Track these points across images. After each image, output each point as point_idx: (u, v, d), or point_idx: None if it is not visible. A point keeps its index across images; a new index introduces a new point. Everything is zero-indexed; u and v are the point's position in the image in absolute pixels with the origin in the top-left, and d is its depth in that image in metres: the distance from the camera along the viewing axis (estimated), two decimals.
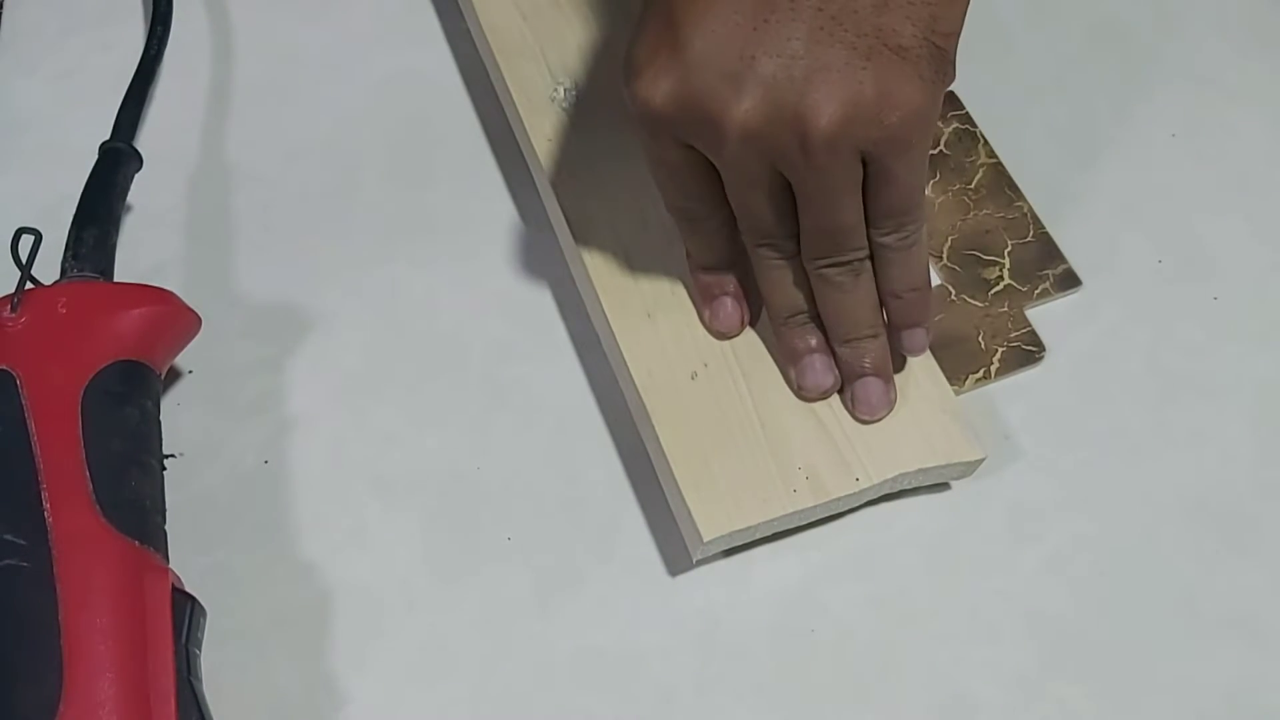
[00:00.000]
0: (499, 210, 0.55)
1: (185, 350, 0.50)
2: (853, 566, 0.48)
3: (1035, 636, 0.47)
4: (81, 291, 0.46)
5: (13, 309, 0.44)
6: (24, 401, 0.42)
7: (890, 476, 0.47)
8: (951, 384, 0.50)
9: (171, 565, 0.44)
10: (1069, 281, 0.54)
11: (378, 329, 0.52)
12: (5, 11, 0.59)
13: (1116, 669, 0.47)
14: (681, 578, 0.48)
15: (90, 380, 0.43)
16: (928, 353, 0.49)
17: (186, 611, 0.42)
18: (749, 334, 0.50)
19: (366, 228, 0.55)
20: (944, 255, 0.54)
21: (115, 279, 0.49)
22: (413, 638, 0.46)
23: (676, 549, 0.48)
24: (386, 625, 0.46)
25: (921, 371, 0.49)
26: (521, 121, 0.54)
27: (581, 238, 0.51)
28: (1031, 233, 0.55)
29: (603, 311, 0.50)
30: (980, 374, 0.52)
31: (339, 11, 0.61)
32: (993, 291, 0.54)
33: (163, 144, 0.56)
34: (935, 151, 0.56)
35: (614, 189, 0.52)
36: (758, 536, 0.47)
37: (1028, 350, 0.52)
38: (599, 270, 0.50)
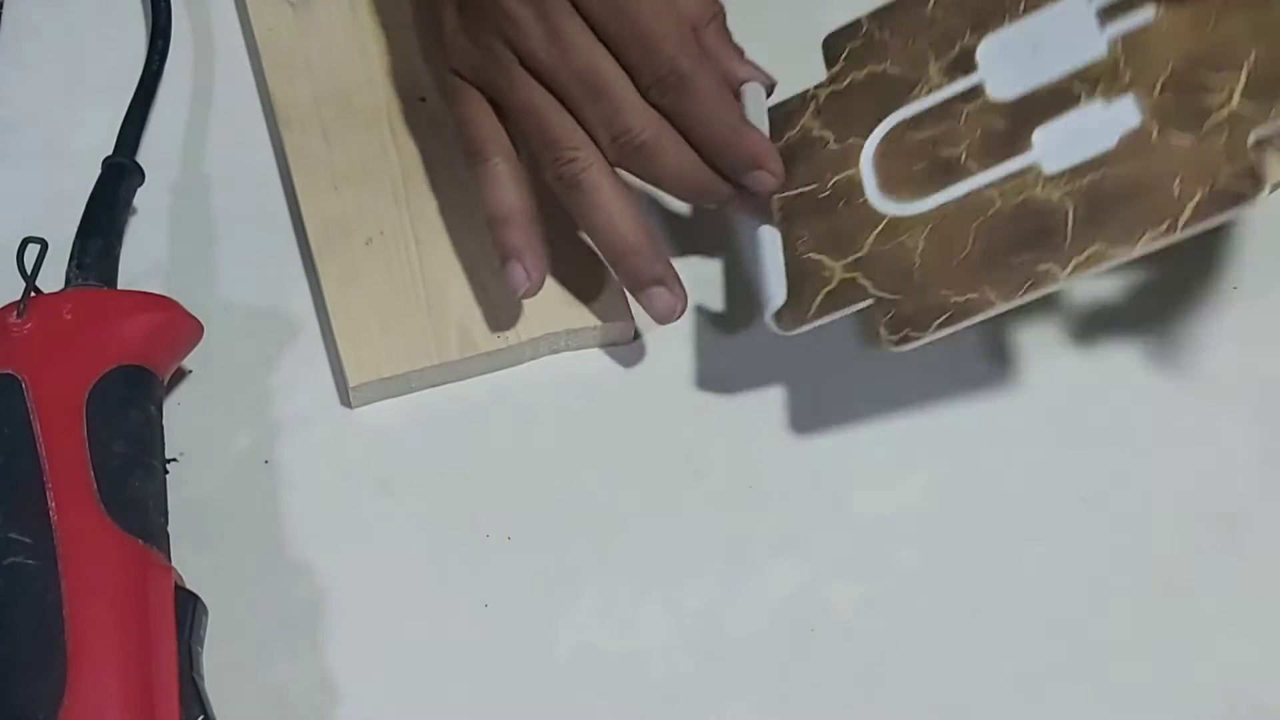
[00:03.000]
0: None
1: None
2: (853, 566, 0.48)
3: (1035, 636, 0.47)
4: (86, 299, 0.46)
5: (19, 315, 0.44)
6: (30, 404, 0.42)
7: (538, 336, 0.50)
8: (1124, 243, 0.43)
9: (173, 564, 0.44)
10: None
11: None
12: (5, 11, 0.59)
13: (1116, 669, 0.47)
14: (681, 577, 0.48)
15: (94, 384, 0.43)
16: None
17: (189, 608, 0.42)
18: (424, 203, 0.53)
19: None
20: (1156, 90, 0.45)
21: (118, 287, 0.50)
22: (413, 637, 0.46)
23: (677, 549, 0.48)
24: (386, 625, 0.46)
25: (583, 238, 0.52)
26: (247, 9, 0.59)
27: (284, 114, 0.55)
28: None
29: (293, 183, 0.54)
30: (1165, 227, 0.43)
31: None
32: (1211, 121, 0.43)
33: (162, 145, 0.56)
34: None
35: (322, 68, 0.56)
36: (418, 387, 0.50)
37: (1236, 192, 0.42)
38: (295, 145, 0.55)
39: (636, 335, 0.52)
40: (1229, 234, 0.56)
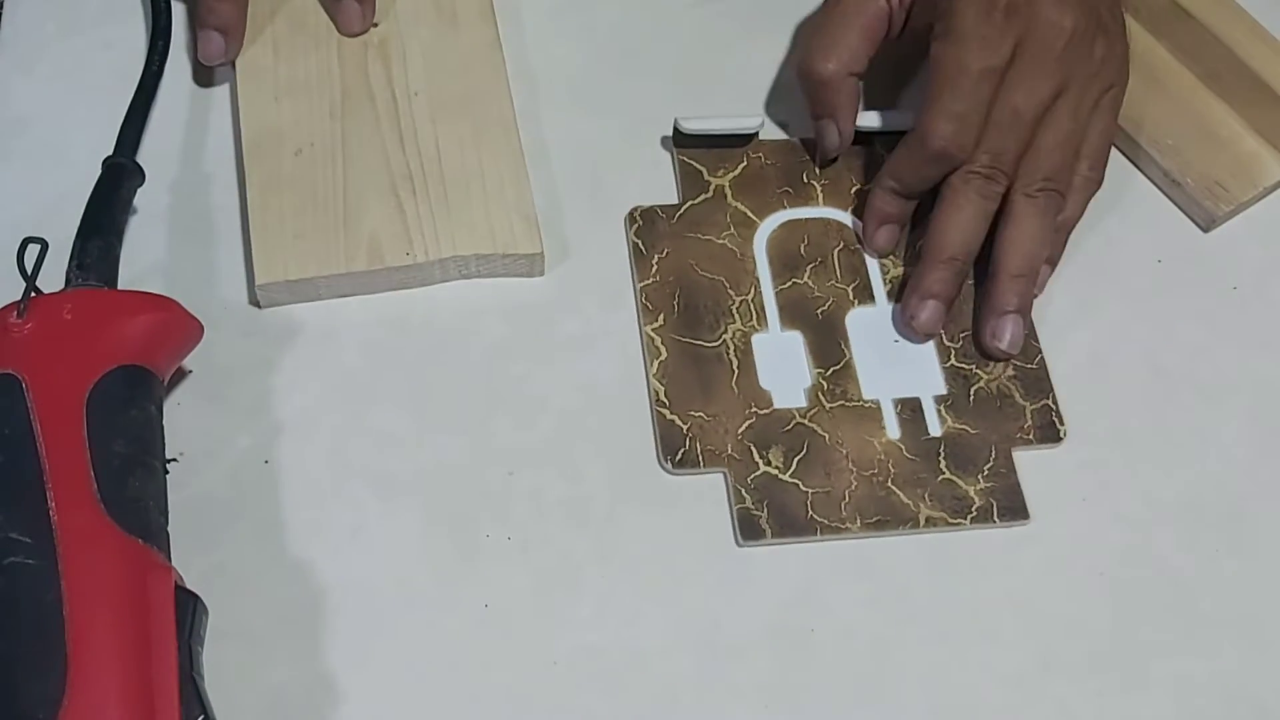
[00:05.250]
0: None
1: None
2: (853, 566, 0.48)
3: (1035, 636, 0.47)
4: (86, 299, 0.46)
5: (19, 315, 0.44)
6: (30, 404, 0.42)
7: (445, 257, 0.52)
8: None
9: (173, 564, 0.44)
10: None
11: (378, 328, 0.52)
12: (5, 11, 0.59)
13: (1116, 669, 0.47)
14: (681, 578, 0.48)
15: (95, 384, 0.43)
16: (520, 152, 0.55)
17: (189, 608, 0.42)
18: (357, 123, 0.55)
19: None
20: None
21: (118, 286, 0.50)
22: (413, 637, 0.46)
23: (677, 550, 0.48)
24: (386, 624, 0.46)
25: (506, 171, 0.54)
26: None
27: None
28: None
29: (237, 91, 0.56)
30: None
31: None
32: None
33: (162, 145, 0.56)
34: None
35: None
36: (326, 296, 0.52)
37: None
38: (244, 56, 0.57)
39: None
40: (1229, 234, 0.56)
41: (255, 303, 0.52)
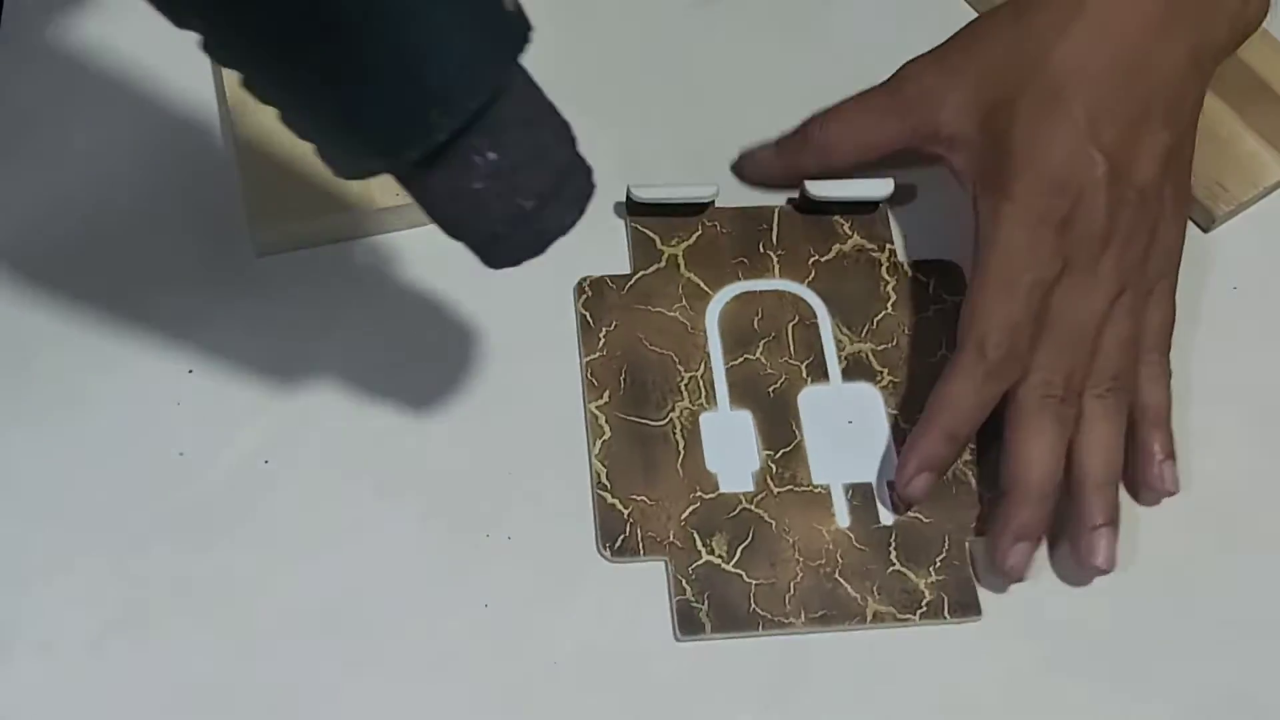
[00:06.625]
0: None
1: (185, 350, 0.50)
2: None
3: (1035, 636, 0.47)
4: None
5: None
6: None
7: None
8: None
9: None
10: None
11: (378, 328, 0.52)
12: (5, 11, 0.59)
13: (1116, 669, 0.47)
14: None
15: None
16: None
17: None
18: None
19: None
20: None
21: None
22: (413, 638, 0.46)
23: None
24: (386, 625, 0.46)
25: None
26: None
27: None
28: None
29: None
30: None
31: None
32: None
33: (176, 144, 0.56)
34: None
35: None
36: (322, 241, 0.53)
37: None
38: None
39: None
40: (1229, 234, 0.56)
41: (255, 252, 0.53)
